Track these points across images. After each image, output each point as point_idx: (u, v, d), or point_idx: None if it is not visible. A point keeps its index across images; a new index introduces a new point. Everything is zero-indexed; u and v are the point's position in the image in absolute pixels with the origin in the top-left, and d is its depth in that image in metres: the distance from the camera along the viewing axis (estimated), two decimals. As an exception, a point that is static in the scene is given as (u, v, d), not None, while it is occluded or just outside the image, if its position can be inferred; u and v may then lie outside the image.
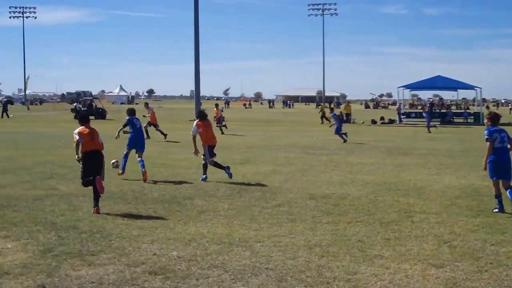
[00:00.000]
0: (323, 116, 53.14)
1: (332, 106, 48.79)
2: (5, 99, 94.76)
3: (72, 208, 11.84)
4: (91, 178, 11.66)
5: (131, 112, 18.09)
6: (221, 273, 7.79)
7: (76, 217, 11.04)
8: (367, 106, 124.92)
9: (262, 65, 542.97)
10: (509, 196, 11.66)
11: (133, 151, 16.85)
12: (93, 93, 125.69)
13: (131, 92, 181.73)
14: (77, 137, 12.00)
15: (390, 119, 54.04)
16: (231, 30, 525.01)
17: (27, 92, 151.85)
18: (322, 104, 68.91)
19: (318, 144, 28.72)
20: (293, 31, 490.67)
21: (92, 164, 11.86)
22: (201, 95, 66.65)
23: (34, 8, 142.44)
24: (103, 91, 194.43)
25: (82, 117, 12.71)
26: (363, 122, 52.06)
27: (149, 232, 9.92)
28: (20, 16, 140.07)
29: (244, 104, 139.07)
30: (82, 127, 12.19)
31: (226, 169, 16.15)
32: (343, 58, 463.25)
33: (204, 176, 16.09)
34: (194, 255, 8.61)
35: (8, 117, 60.76)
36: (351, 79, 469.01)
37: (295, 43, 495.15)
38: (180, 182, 15.42)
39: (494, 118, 12.32)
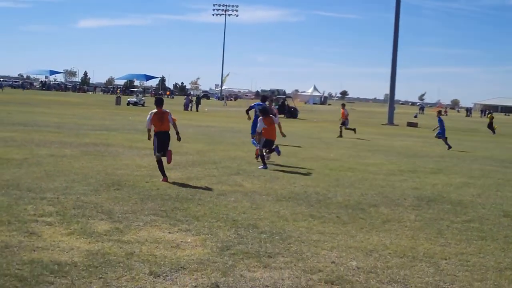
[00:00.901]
0: (490, 125, 52.57)
1: None
2: (201, 94, 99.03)
3: (254, 207, 11.79)
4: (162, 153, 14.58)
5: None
6: (401, 289, 7.31)
7: (258, 216, 10.96)
8: None
9: (461, 71, 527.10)
10: None
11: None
12: (287, 92, 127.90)
13: (324, 93, 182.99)
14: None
15: None
16: (430, 34, 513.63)
17: (223, 87, 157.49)
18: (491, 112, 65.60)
19: (517, 158, 27.08)
20: (496, 36, 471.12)
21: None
22: (395, 99, 65.55)
23: (237, 6, 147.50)
24: (296, 90, 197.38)
25: (157, 100, 15.06)
26: None
27: (330, 238, 9.60)
28: (222, 14, 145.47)
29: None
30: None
31: (276, 148, 18.33)
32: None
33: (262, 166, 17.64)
34: (374, 266, 8.17)
35: (197, 110, 63.12)
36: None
37: (498, 49, 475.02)
38: (366, 188, 14.95)
39: None
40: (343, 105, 37.35)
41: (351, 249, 9.02)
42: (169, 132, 14.87)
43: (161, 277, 7.13)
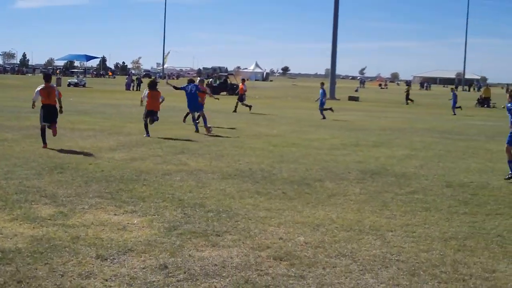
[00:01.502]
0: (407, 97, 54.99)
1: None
2: (143, 73, 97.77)
3: (200, 185, 11.74)
4: None
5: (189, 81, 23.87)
6: (349, 262, 7.38)
7: (204, 194, 10.92)
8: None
9: (400, 45, 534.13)
10: None
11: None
12: (229, 69, 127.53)
13: (265, 69, 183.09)
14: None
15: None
16: (370, 9, 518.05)
17: (165, 66, 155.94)
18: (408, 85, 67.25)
19: (456, 129, 27.60)
20: (434, 11, 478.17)
21: None
22: (336, 74, 66.00)
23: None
24: (238, 68, 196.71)
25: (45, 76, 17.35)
26: (503, 107, 49.76)
27: (276, 215, 9.63)
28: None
29: (380, 85, 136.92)
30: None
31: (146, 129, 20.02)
32: (486, 40, 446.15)
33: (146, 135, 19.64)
34: (321, 241, 8.24)
35: (139, 90, 62.43)
36: (493, 62, 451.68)
37: (436, 23, 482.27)
38: (310, 163, 15.04)
39: None
40: (243, 80, 37.66)
41: (298, 225, 9.07)
42: (56, 105, 16.80)
43: (108, 260, 7.05)
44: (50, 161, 13.81)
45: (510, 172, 13.58)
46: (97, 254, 7.22)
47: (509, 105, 13.88)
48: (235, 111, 34.11)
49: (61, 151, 15.50)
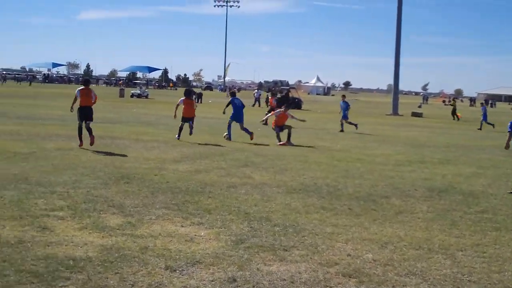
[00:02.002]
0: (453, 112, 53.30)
1: None
2: (204, 86, 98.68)
3: (265, 199, 11.70)
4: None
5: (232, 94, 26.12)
6: (419, 281, 7.21)
7: (269, 208, 10.87)
8: None
9: (464, 61, 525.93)
10: None
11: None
12: (290, 83, 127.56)
13: (327, 83, 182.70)
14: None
15: None
16: (433, 24, 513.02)
17: (226, 79, 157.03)
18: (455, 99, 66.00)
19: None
20: (500, 25, 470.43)
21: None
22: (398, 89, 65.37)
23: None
24: (299, 81, 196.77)
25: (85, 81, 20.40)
26: None
27: (343, 231, 9.52)
28: (224, 5, 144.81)
29: (444, 101, 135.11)
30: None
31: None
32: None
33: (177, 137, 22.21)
34: (390, 259, 8.09)
35: (201, 102, 62.98)
36: None
37: (502, 38, 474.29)
38: (376, 179, 14.86)
39: None
40: (273, 95, 37.84)
41: (366, 241, 8.94)
42: (91, 107, 19.02)
43: (177, 271, 7.06)
44: (116, 171, 13.97)
45: None
46: (166, 265, 7.24)
47: None
48: (265, 123, 33.49)
49: (126, 161, 15.67)
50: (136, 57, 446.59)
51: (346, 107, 32.61)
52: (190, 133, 22.39)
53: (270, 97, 36.49)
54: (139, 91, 77.13)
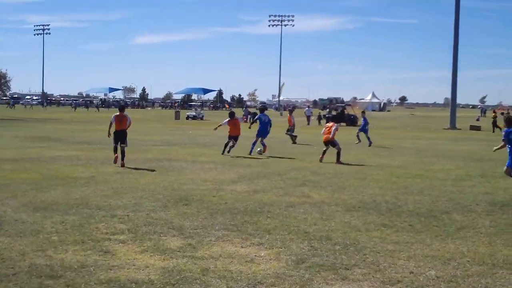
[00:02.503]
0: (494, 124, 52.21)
1: None
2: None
3: (324, 217, 11.64)
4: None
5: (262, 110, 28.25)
6: (485, 298, 7.08)
7: (329, 227, 10.80)
8: None
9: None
10: None
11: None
12: (345, 100, 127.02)
13: (383, 99, 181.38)
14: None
15: None
16: (489, 35, 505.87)
17: (281, 98, 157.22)
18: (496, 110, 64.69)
19: None
20: None
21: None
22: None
23: (293, 16, 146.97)
24: (354, 98, 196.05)
25: (120, 107, 21.59)
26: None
27: (405, 248, 9.39)
28: (278, 25, 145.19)
29: (502, 113, 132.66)
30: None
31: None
32: None
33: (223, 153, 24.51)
34: (454, 276, 7.94)
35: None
36: None
37: None
38: (436, 195, 14.64)
39: None
40: (291, 112, 36.53)
41: (428, 258, 8.80)
42: (126, 131, 20.35)
43: (239, 292, 7.06)
44: (175, 193, 14.08)
45: None
46: (228, 286, 7.25)
47: None
48: (294, 142, 33.39)
49: (184, 183, 15.79)
50: (191, 79, 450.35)
51: (364, 123, 34.16)
52: (229, 151, 24.54)
53: (288, 115, 35.33)
54: (194, 113, 77.79)
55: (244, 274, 7.80)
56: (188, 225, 10.70)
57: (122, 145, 19.90)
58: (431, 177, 18.07)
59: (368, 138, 32.53)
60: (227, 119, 25.47)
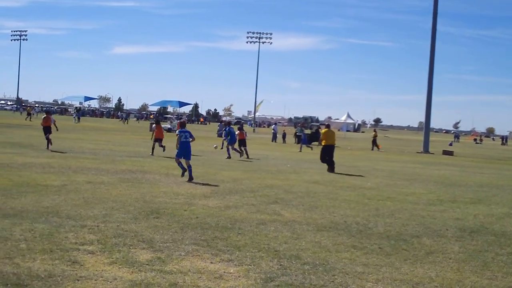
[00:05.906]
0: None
1: None
2: (234, 121, 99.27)
3: (295, 236, 11.63)
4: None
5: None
6: (451, 325, 7.10)
7: (299, 246, 10.79)
8: None
9: (496, 99, 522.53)
10: None
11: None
12: (320, 119, 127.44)
13: (357, 120, 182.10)
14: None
15: None
16: (464, 62, 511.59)
17: (256, 114, 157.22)
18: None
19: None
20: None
21: None
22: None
23: (271, 34, 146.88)
24: (329, 118, 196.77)
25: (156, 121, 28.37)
26: None
27: (374, 270, 9.41)
28: (256, 42, 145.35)
29: (475, 139, 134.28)
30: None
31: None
32: None
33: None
34: (421, 300, 7.98)
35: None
36: None
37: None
38: (406, 218, 14.72)
39: None
40: (240, 128, 36.01)
41: (397, 282, 8.82)
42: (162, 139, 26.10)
43: (206, 309, 7.02)
44: (146, 205, 14.01)
45: None
46: (195, 302, 7.20)
47: None
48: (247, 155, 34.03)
49: (156, 196, 15.72)
50: (167, 92, 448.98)
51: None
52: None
53: (238, 131, 35.38)
54: (169, 126, 77.47)
55: (213, 290, 7.76)
56: (158, 238, 10.63)
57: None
58: (402, 200, 18.17)
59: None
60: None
